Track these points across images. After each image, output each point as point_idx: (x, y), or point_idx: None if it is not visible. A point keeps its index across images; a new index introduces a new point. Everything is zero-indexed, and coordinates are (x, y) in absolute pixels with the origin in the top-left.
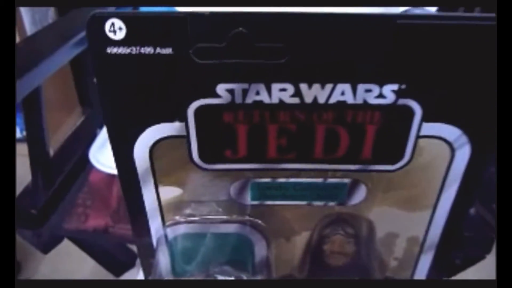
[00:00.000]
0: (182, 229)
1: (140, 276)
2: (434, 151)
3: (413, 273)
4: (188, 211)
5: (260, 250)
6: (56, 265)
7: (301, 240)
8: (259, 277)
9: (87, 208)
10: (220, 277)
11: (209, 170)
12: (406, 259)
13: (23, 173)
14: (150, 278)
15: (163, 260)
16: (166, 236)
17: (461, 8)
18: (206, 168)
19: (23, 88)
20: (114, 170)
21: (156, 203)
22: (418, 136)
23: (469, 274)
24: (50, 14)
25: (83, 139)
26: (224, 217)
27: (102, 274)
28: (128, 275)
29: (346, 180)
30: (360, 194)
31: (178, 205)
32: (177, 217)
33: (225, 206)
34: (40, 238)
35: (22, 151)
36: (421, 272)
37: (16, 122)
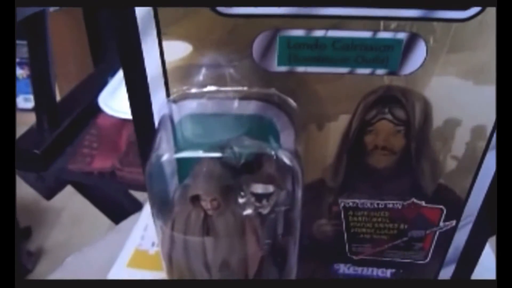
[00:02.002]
0: (190, 106)
1: (140, 222)
2: None
3: (473, 181)
4: (198, 77)
5: (287, 139)
6: (68, 232)
7: (337, 128)
8: (286, 159)
9: (93, 149)
10: (236, 150)
11: (227, 16)
12: (467, 159)
13: None
14: (149, 159)
15: (165, 144)
16: (171, 116)
17: None
18: (223, 13)
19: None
20: (124, 115)
21: (160, 68)
22: None
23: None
24: None
25: (93, 88)
26: (244, 88)
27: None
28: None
29: (402, 35)
30: (418, 56)
31: (186, 70)
32: (184, 88)
33: (245, 72)
34: (44, 182)
35: None
36: (484, 180)
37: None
